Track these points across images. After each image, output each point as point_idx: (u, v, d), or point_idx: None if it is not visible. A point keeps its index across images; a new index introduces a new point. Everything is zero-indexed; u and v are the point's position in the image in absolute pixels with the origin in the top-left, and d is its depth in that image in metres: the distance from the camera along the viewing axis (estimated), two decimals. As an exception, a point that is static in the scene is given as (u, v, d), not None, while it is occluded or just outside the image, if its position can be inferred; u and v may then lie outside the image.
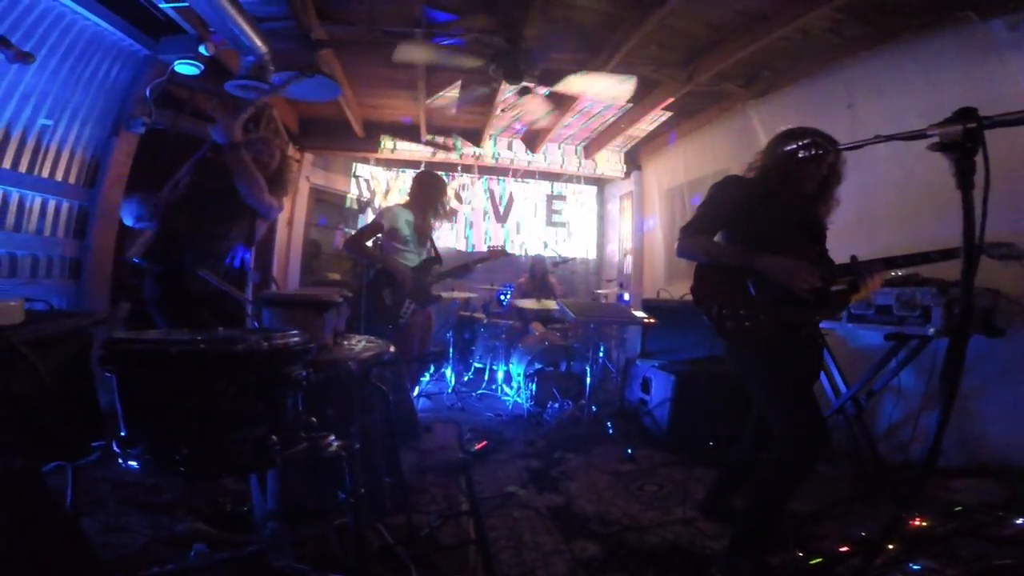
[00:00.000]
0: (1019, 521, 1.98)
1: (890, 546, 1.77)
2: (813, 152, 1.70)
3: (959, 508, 2.13)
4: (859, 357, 2.96)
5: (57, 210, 3.10)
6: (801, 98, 3.93)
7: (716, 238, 1.90)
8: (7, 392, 0.81)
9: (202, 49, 3.18)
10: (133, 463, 1.07)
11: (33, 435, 0.90)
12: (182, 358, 0.99)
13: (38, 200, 2.96)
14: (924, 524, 1.97)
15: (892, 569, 1.70)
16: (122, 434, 1.06)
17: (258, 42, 3.08)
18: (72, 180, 3.16)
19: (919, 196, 2.96)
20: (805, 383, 1.83)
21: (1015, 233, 2.43)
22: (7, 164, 2.71)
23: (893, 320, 2.39)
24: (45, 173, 2.96)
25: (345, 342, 1.64)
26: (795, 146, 1.74)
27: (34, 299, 1.12)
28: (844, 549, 1.90)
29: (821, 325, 2.70)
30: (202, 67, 3.26)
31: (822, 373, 2.79)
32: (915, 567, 1.71)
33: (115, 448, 1.08)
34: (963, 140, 1.00)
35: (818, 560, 1.84)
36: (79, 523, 1.19)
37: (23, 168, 2.81)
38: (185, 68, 3.23)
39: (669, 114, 5.14)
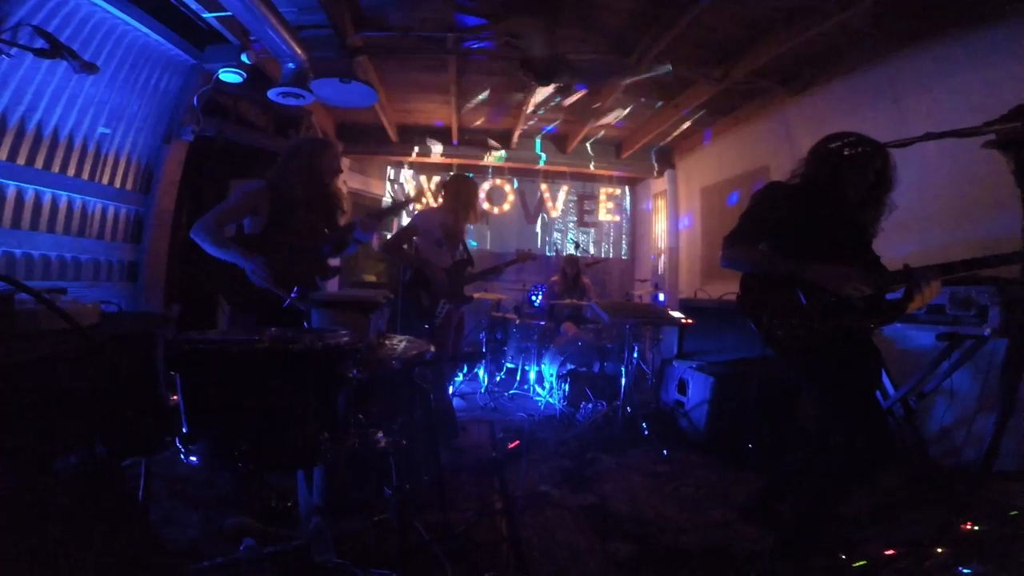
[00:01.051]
0: None
1: (939, 550, 1.71)
2: (857, 154, 1.64)
3: (1015, 513, 2.02)
4: (908, 358, 2.86)
5: (116, 216, 3.26)
6: (842, 94, 3.81)
7: (760, 247, 1.85)
8: (91, 388, 0.87)
9: (244, 57, 3.31)
10: (194, 459, 1.13)
11: (114, 430, 0.97)
12: (242, 357, 1.04)
13: (99, 206, 3.13)
14: (977, 528, 1.90)
15: (941, 573, 1.66)
16: (184, 431, 1.12)
17: (298, 49, 3.19)
18: (129, 186, 3.32)
19: (973, 193, 2.83)
20: (866, 390, 1.77)
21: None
22: (71, 172, 2.88)
23: (946, 320, 2.29)
24: (105, 180, 3.12)
25: (387, 342, 1.69)
26: (839, 149, 1.69)
27: (107, 301, 1.20)
28: (889, 552, 1.85)
29: (868, 327, 2.64)
30: (245, 75, 3.38)
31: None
32: (966, 571, 1.66)
33: (177, 444, 1.14)
34: (1022, 137, 0.97)
35: (862, 563, 1.80)
36: (148, 515, 1.25)
37: (85, 175, 2.97)
38: (229, 76, 3.37)
39: (704, 112, 5.05)
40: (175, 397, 1.13)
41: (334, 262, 2.50)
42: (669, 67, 3.60)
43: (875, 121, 3.36)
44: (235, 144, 4.05)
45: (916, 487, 2.51)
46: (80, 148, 2.92)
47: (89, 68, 1.99)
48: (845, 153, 1.62)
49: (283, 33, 2.99)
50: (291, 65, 3.31)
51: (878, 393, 2.71)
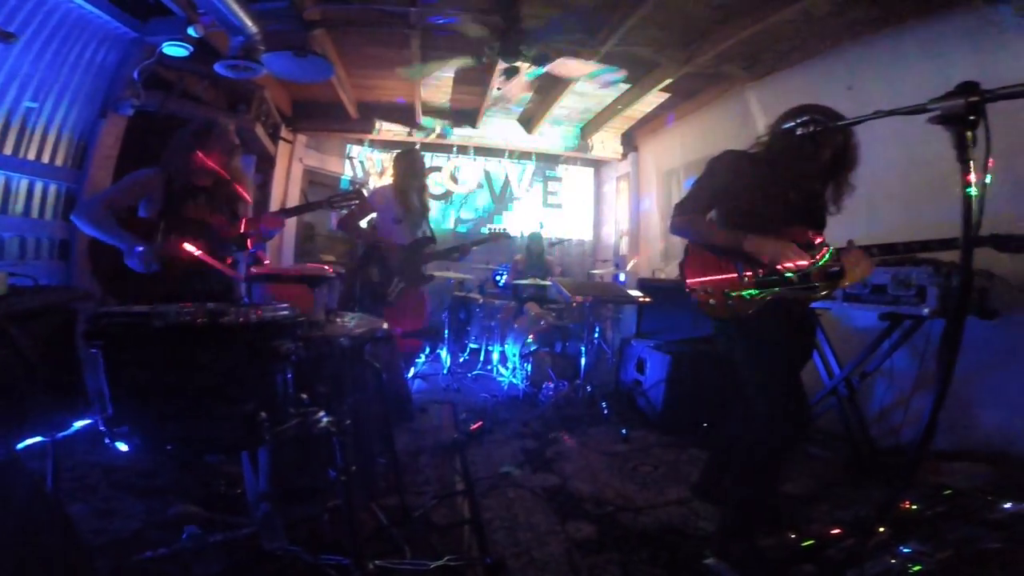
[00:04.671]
0: (1008, 505, 1.97)
1: (880, 529, 1.76)
2: (817, 129, 1.63)
3: (949, 492, 2.13)
4: (854, 338, 2.95)
5: (44, 192, 3.07)
6: (802, 80, 3.87)
7: (712, 214, 1.86)
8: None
9: (191, 31, 3.12)
10: (121, 443, 1.06)
11: (11, 408, 0.88)
12: (166, 331, 0.96)
13: (24, 182, 2.92)
14: (914, 507, 1.98)
15: (882, 552, 1.70)
16: (108, 413, 1.04)
17: (248, 22, 3.04)
18: (59, 162, 3.12)
19: (921, 177, 2.93)
20: (790, 364, 1.81)
21: (1015, 212, 2.44)
22: (-9, 146, 2.67)
23: (888, 300, 2.38)
24: (31, 155, 2.92)
25: (337, 319, 1.62)
26: (799, 122, 1.67)
27: (18, 274, 1.10)
28: (835, 531, 1.91)
29: (816, 305, 2.71)
30: (191, 49, 3.20)
31: (816, 354, 2.78)
32: (905, 550, 1.71)
33: (102, 428, 1.06)
34: (965, 113, 0.98)
35: (810, 542, 1.84)
36: (62, 507, 1.16)
37: (7, 150, 2.77)
38: (174, 50, 3.19)
39: (667, 95, 5.08)
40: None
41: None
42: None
43: (831, 107, 3.43)
44: (180, 119, 3.84)
45: (859, 466, 2.60)
46: (2, 122, 2.71)
47: (6, 36, 1.82)
48: (803, 126, 1.61)
49: (232, 4, 2.83)
50: (240, 38, 3.14)
51: (822, 370, 2.80)
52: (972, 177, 0.97)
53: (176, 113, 3.79)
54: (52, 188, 3.11)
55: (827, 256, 1.74)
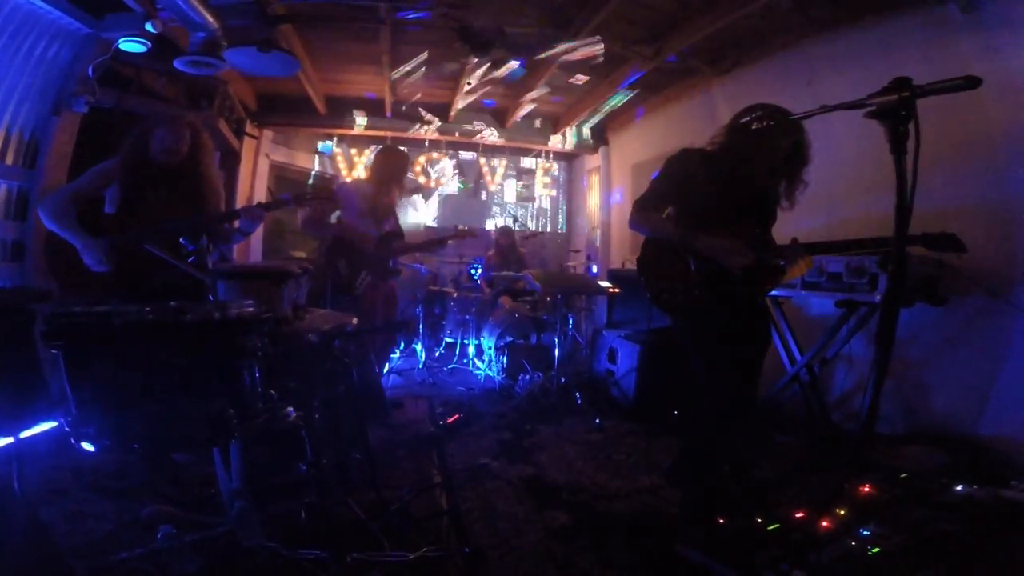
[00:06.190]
0: (961, 488, 2.07)
1: (840, 512, 1.83)
2: (769, 127, 1.71)
3: (904, 475, 2.21)
4: (815, 325, 3.05)
5: (-7, 192, 2.96)
6: (764, 76, 3.97)
7: (668, 211, 1.93)
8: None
9: (149, 26, 3.03)
10: (87, 444, 1.05)
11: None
12: (127, 329, 0.96)
13: (-28, 181, 2.81)
14: (872, 491, 2.06)
15: (842, 534, 1.76)
16: (73, 414, 1.03)
17: (209, 18, 2.98)
18: (9, 161, 3.00)
19: (875, 171, 3.04)
20: (737, 356, 1.88)
21: (955, 205, 2.56)
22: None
23: (843, 287, 2.48)
24: (-24, 153, 2.81)
25: (305, 315, 1.62)
26: (751, 120, 1.75)
27: (-31, 277, 1.07)
28: (799, 515, 1.96)
29: (777, 293, 2.80)
30: (149, 45, 3.12)
31: (778, 341, 2.88)
32: (864, 532, 1.77)
33: (67, 429, 1.05)
34: (897, 108, 1.05)
35: (775, 526, 1.89)
36: (33, 508, 1.14)
37: (-51, 148, 2.66)
38: (130, 46, 3.11)
39: (636, 90, 5.14)
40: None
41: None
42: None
43: (792, 102, 3.47)
44: (138, 116, 3.73)
45: (822, 451, 2.68)
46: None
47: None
48: (756, 125, 1.68)
49: (192, 0, 2.77)
50: (201, 34, 3.07)
51: (784, 357, 2.90)
52: (904, 169, 1.04)
53: (134, 110, 3.69)
54: (3, 188, 3.00)
55: (771, 254, 1.83)
